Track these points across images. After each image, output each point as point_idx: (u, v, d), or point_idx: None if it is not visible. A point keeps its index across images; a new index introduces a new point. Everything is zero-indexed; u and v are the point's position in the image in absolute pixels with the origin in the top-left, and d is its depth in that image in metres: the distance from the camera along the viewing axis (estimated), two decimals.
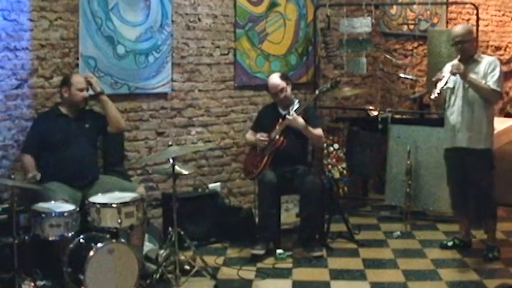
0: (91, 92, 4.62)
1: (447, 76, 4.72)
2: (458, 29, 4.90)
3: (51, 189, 4.22)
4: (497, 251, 4.91)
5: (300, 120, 5.00)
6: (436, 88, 4.70)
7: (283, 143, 5.07)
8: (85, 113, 4.64)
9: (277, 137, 5.09)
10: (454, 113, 4.86)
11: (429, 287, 4.43)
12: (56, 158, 4.39)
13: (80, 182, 4.42)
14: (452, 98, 4.86)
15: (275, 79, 5.19)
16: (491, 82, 4.72)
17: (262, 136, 5.15)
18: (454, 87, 4.84)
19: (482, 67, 4.78)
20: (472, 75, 4.72)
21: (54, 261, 4.06)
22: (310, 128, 5.05)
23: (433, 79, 4.89)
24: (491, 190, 4.93)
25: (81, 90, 4.52)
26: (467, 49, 4.80)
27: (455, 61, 4.81)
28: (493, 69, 4.74)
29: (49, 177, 4.30)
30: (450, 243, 5.14)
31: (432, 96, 4.77)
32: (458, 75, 4.73)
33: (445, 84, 4.72)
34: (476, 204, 4.90)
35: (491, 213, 4.98)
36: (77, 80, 4.54)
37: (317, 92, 5.21)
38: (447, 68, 4.83)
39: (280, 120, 5.10)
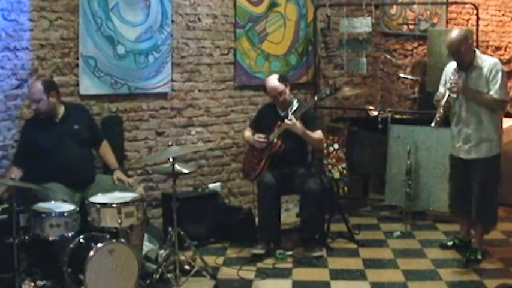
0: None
1: (446, 96, 4.66)
2: (452, 37, 4.64)
3: (51, 189, 4.23)
4: (481, 254, 4.81)
5: (299, 125, 4.96)
6: (436, 114, 4.66)
7: (281, 146, 5.06)
8: (71, 114, 4.55)
9: (275, 140, 5.07)
10: (459, 123, 4.76)
11: (429, 287, 4.43)
12: (50, 163, 4.35)
13: (77, 183, 4.40)
14: (457, 106, 4.75)
15: (273, 82, 5.13)
16: (493, 91, 4.57)
17: (260, 137, 5.15)
18: (457, 96, 4.71)
19: (484, 73, 4.61)
20: (474, 83, 4.62)
21: (54, 261, 4.06)
22: (309, 132, 5.02)
23: (434, 100, 4.83)
24: (495, 194, 4.83)
25: (31, 101, 4.44)
26: (464, 57, 4.63)
27: (453, 70, 4.68)
28: (495, 76, 4.57)
29: (47, 180, 4.29)
30: (450, 243, 5.14)
31: (433, 124, 4.68)
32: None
33: (446, 103, 4.66)
34: (478, 209, 4.78)
35: (488, 221, 4.91)
36: (30, 89, 4.47)
37: (316, 98, 5.17)
38: (447, 72, 4.78)
39: (279, 123, 5.08)
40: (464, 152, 4.78)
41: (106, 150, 4.77)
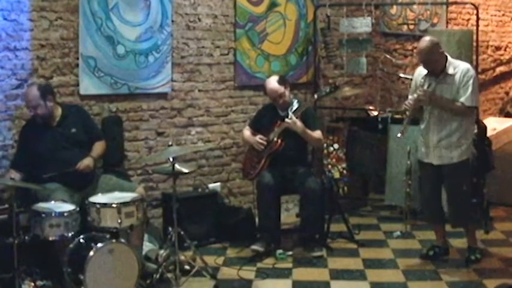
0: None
1: (412, 107, 4.52)
2: (421, 45, 4.49)
3: (51, 189, 4.23)
4: (479, 253, 4.81)
5: (299, 123, 4.97)
6: (402, 126, 4.57)
7: (281, 145, 5.06)
8: (68, 117, 4.50)
9: (275, 139, 5.08)
10: (427, 129, 4.63)
11: (429, 287, 4.43)
12: (49, 167, 4.32)
13: (77, 184, 4.39)
14: (427, 112, 4.63)
15: (273, 84, 5.12)
16: (463, 98, 4.45)
17: (261, 139, 5.14)
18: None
19: (456, 80, 4.49)
20: (446, 90, 4.50)
21: (54, 261, 4.06)
22: (309, 131, 5.03)
23: (403, 109, 4.68)
24: (468, 196, 4.79)
25: (28, 108, 4.41)
26: (435, 66, 4.50)
27: (423, 78, 4.54)
28: (466, 82, 4.46)
29: (47, 181, 4.28)
30: (431, 253, 4.95)
31: (398, 135, 4.58)
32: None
33: (411, 114, 4.54)
34: (456, 211, 4.75)
35: (471, 218, 4.88)
36: (27, 96, 4.41)
37: (316, 96, 5.19)
38: (417, 78, 4.65)
39: (279, 122, 5.09)
40: (436, 158, 4.64)
41: (96, 145, 4.61)
